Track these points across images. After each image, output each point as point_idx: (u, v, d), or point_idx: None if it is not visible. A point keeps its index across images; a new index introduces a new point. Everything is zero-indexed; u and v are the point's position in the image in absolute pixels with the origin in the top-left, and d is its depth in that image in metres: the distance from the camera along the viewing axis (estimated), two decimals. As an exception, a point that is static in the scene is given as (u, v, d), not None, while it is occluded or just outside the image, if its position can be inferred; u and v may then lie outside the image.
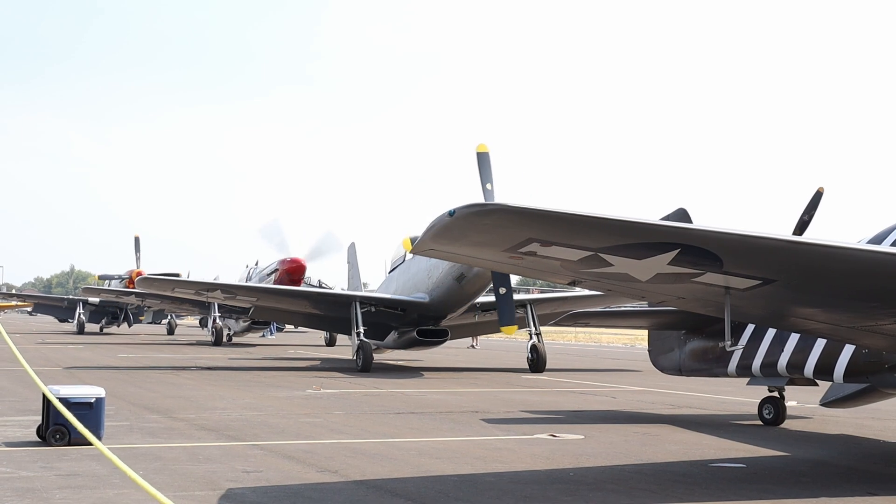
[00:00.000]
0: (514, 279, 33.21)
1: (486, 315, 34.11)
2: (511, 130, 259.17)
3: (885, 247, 11.97)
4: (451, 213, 8.84)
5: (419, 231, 9.41)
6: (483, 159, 28.49)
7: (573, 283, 11.30)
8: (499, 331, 33.92)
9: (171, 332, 64.50)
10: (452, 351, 44.33)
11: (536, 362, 30.94)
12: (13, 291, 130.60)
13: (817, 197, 20.79)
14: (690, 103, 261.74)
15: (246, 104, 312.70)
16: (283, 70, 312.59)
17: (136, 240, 63.86)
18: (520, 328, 33.10)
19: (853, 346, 13.94)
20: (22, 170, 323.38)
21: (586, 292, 30.87)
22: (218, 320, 49.82)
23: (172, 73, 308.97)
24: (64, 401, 12.66)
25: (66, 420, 12.34)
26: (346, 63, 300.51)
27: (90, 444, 12.23)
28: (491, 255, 10.21)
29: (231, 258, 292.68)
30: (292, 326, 59.25)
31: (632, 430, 15.69)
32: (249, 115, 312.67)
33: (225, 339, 50.75)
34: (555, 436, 14.76)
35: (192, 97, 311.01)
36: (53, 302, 74.77)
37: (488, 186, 28.16)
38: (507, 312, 28.99)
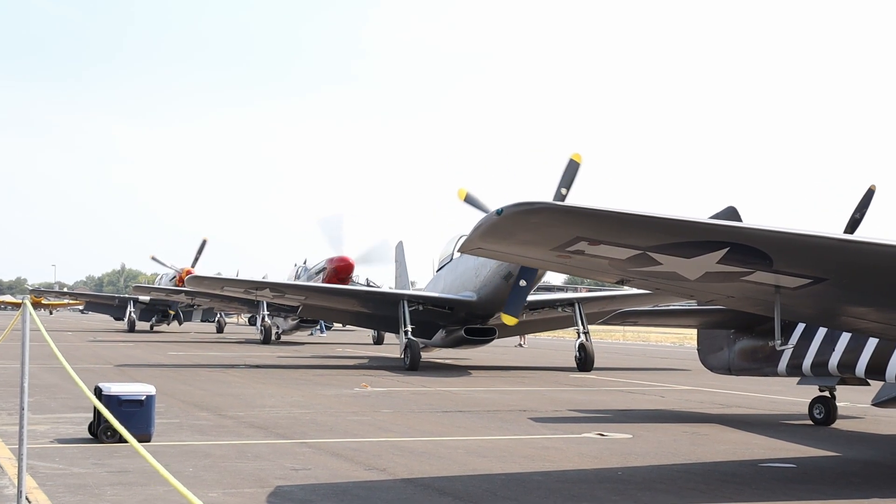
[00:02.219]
0: (562, 277, 33.02)
1: (534, 314, 34.06)
2: (555, 128, 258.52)
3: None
4: (499, 212, 8.82)
5: (467, 229, 9.43)
6: (572, 166, 28.35)
7: (621, 282, 11.26)
8: (552, 329, 33.93)
9: (220, 330, 64.93)
10: (500, 350, 44.30)
11: (584, 361, 30.84)
12: (65, 290, 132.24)
13: (869, 195, 20.57)
14: (740, 101, 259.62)
15: (292, 103, 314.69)
16: (330, 69, 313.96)
17: (204, 242, 63.23)
18: (568, 326, 32.92)
19: (906, 346, 13.78)
20: (72, 169, 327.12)
21: (634, 291, 30.72)
22: (267, 318, 50.07)
23: (216, 73, 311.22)
24: (115, 398, 12.84)
25: (118, 417, 12.52)
26: (392, 61, 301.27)
27: (141, 441, 12.38)
28: (539, 254, 10.19)
29: (279, 257, 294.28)
30: (340, 325, 59.42)
31: (680, 430, 15.60)
32: (296, 114, 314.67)
33: (273, 338, 51.02)
34: (603, 435, 14.72)
35: (237, 96, 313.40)
36: (104, 300, 75.52)
37: (563, 191, 28.03)
38: (516, 304, 29.13)
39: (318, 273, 50.25)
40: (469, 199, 29.43)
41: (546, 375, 28.91)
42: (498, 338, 33.83)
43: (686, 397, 21.64)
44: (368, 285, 54.22)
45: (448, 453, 12.59)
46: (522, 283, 28.74)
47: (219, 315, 66.28)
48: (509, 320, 29.37)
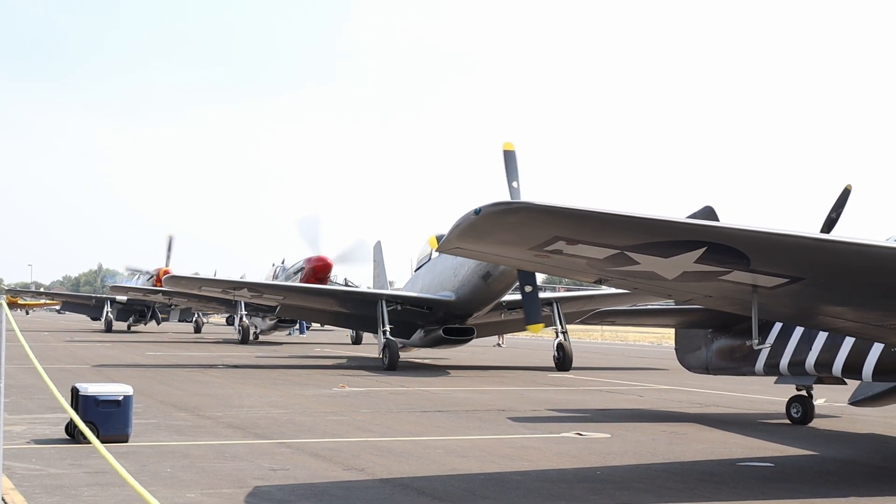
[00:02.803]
0: (540, 277, 33.04)
1: (513, 313, 34.05)
2: (539, 129, 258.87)
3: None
4: (477, 212, 8.83)
5: (445, 229, 9.40)
6: (509, 157, 28.29)
7: (599, 282, 11.28)
8: (524, 329, 33.83)
9: (198, 330, 64.73)
10: (479, 349, 44.31)
11: (563, 361, 30.87)
12: (42, 290, 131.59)
13: (845, 194, 20.66)
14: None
15: (273, 102, 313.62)
16: (311, 68, 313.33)
17: (170, 239, 63.46)
18: (546, 326, 32.99)
19: (882, 345, 13.85)
20: (50, 168, 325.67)
21: (613, 290, 30.78)
22: (245, 318, 49.94)
23: (198, 71, 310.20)
24: (92, 399, 12.78)
25: (96, 417, 12.50)
26: (374, 61, 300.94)
27: (119, 441, 12.36)
28: (517, 254, 10.20)
29: (258, 256, 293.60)
30: (318, 325, 59.34)
31: (659, 429, 15.64)
32: (277, 114, 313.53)
33: (252, 338, 50.91)
34: (581, 434, 14.74)
35: (221, 95, 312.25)
36: (81, 300, 75.17)
37: (514, 185, 27.98)
38: (533, 311, 28.47)
39: (296, 273, 50.14)
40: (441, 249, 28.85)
41: (525, 375, 28.94)
42: (476, 337, 33.86)
43: (664, 396, 21.69)
44: (347, 285, 54.15)
45: (426, 453, 12.58)
46: (528, 288, 28.20)
47: (196, 315, 66.12)
48: (535, 329, 29.12)
